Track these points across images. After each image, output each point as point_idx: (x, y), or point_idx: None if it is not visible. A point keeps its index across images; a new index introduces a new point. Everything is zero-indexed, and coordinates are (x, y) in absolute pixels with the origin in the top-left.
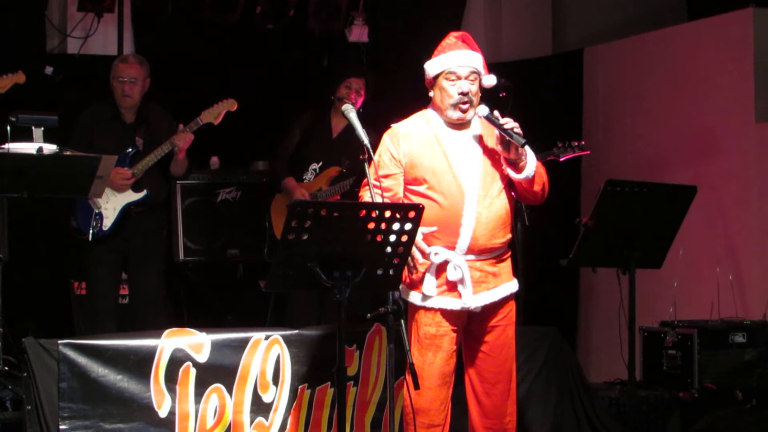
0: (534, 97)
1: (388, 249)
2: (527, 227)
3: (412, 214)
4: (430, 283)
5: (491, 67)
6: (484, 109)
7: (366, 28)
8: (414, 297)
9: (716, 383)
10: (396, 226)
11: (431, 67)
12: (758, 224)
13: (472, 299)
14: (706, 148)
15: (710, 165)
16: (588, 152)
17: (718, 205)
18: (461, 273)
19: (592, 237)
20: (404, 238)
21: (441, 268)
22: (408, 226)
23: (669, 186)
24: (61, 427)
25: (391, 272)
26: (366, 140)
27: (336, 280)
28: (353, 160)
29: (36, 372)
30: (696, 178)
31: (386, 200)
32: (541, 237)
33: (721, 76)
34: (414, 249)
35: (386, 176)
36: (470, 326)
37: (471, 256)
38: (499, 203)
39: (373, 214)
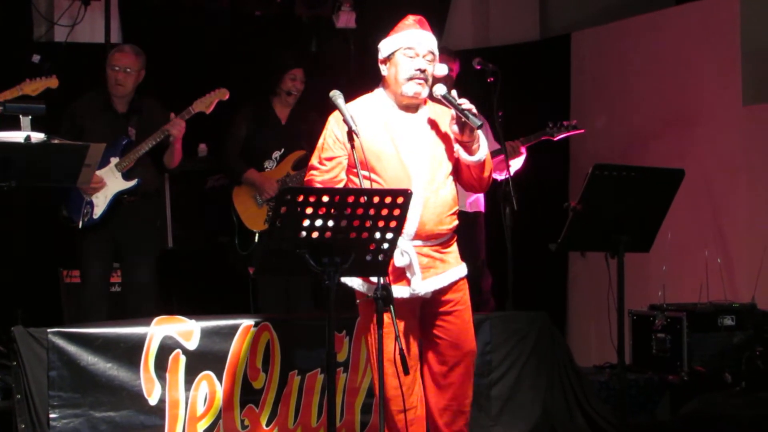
0: (522, 82)
1: (377, 235)
2: (516, 212)
3: (400, 199)
4: None
5: (479, 53)
6: (441, 88)
7: (353, 14)
8: (363, 287)
9: (705, 366)
10: (384, 212)
11: (387, 45)
12: (746, 207)
13: (421, 285)
14: (693, 132)
15: (698, 148)
16: (583, 131)
17: (707, 188)
18: (409, 259)
19: (580, 221)
20: (393, 224)
21: None
22: (396, 212)
23: (657, 170)
24: (51, 415)
25: (379, 258)
26: (355, 127)
27: (325, 267)
28: (311, 142)
29: (25, 361)
30: (684, 162)
31: (328, 183)
32: (529, 222)
33: (708, 60)
34: None
35: (329, 159)
36: (423, 312)
37: (418, 242)
38: (446, 190)
39: (362, 200)
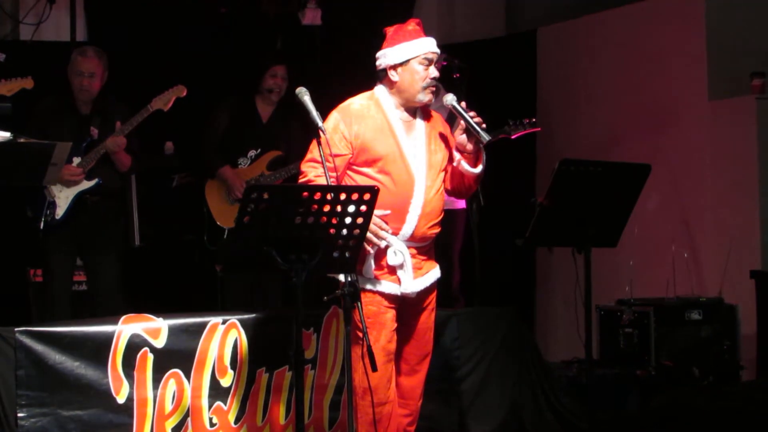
0: (488, 78)
1: (344, 231)
2: (482, 208)
3: (367, 196)
4: (369, 267)
5: (445, 48)
6: (452, 98)
7: (319, 11)
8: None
9: (673, 360)
10: (351, 208)
11: (400, 52)
12: (712, 201)
13: (412, 284)
14: (660, 127)
15: (664, 143)
16: (539, 129)
17: (673, 183)
18: (402, 258)
19: (547, 217)
20: (360, 220)
21: (381, 253)
22: (363, 208)
23: (623, 165)
24: (19, 414)
25: (347, 254)
26: (321, 123)
27: (292, 263)
28: (292, 146)
29: None
30: (650, 157)
31: (332, 179)
32: (496, 217)
33: (674, 55)
34: (372, 224)
35: (335, 155)
36: (400, 309)
37: (411, 243)
38: (439, 195)
39: (329, 197)
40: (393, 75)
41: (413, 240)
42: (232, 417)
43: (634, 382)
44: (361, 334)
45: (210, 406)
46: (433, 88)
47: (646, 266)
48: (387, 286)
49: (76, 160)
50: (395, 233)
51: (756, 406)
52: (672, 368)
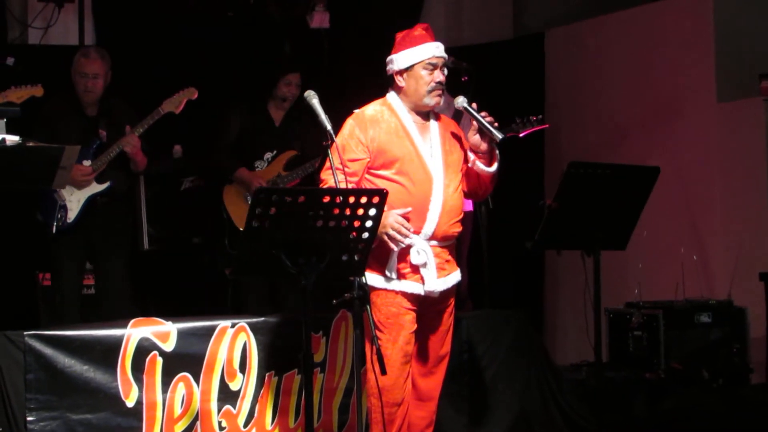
0: (496, 81)
1: (353, 234)
2: (491, 210)
3: (376, 199)
4: (393, 266)
5: (452, 51)
6: (463, 100)
7: (327, 14)
8: (375, 280)
9: (682, 363)
10: (360, 212)
11: (405, 58)
12: (721, 204)
13: (435, 283)
14: (668, 129)
15: (673, 146)
16: (547, 125)
17: (682, 185)
18: (425, 257)
19: (556, 219)
20: (369, 223)
21: (404, 252)
22: (372, 212)
23: (632, 167)
24: (29, 418)
25: (356, 258)
26: (329, 126)
27: (301, 267)
28: (306, 144)
29: (2, 364)
30: (659, 159)
31: (352, 184)
32: (505, 220)
33: (682, 57)
34: (395, 223)
35: (353, 160)
36: (421, 310)
37: (433, 242)
38: (458, 194)
39: (338, 200)
40: (399, 80)
41: (435, 239)
42: (241, 420)
43: (643, 385)
44: (378, 334)
45: (219, 410)
46: (440, 92)
47: (655, 269)
48: (410, 285)
49: (86, 163)
50: (417, 232)
51: (766, 408)
52: (681, 371)
